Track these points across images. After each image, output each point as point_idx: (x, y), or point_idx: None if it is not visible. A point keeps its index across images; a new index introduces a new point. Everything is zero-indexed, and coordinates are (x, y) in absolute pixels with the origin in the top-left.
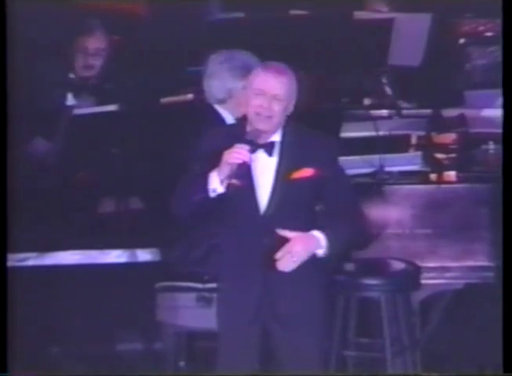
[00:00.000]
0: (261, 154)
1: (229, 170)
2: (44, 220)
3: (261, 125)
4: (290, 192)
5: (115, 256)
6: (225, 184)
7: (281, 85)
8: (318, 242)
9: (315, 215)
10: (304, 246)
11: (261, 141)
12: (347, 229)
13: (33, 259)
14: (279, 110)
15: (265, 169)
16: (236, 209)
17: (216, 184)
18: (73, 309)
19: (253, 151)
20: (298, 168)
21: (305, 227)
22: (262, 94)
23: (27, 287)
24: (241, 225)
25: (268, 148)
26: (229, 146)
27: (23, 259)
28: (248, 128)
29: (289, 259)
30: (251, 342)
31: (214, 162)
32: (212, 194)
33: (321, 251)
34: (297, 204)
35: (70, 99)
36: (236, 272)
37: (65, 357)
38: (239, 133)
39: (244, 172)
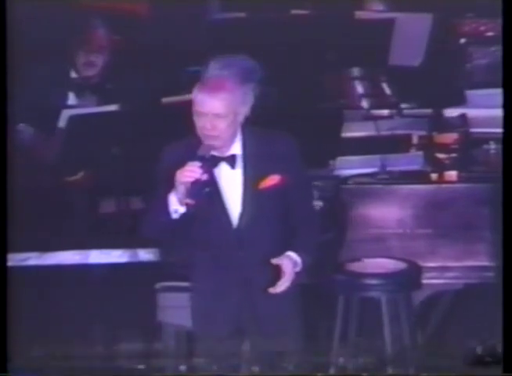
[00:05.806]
0: (224, 167)
1: (184, 189)
2: (44, 220)
3: (212, 143)
4: (260, 202)
5: (116, 256)
6: (184, 204)
7: (220, 103)
8: (297, 263)
9: (287, 223)
10: (292, 269)
11: (222, 154)
12: (313, 241)
13: (33, 259)
14: (224, 126)
15: (231, 182)
16: (209, 225)
17: (176, 205)
18: (73, 309)
19: (215, 165)
20: (264, 176)
21: (278, 236)
22: (203, 115)
23: (27, 287)
24: (215, 240)
25: (230, 161)
26: (186, 162)
27: (23, 259)
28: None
29: (284, 284)
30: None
31: (173, 180)
32: (175, 215)
33: (297, 269)
34: (268, 214)
35: (72, 99)
36: (214, 287)
37: (65, 357)
38: (195, 148)
39: (201, 189)
